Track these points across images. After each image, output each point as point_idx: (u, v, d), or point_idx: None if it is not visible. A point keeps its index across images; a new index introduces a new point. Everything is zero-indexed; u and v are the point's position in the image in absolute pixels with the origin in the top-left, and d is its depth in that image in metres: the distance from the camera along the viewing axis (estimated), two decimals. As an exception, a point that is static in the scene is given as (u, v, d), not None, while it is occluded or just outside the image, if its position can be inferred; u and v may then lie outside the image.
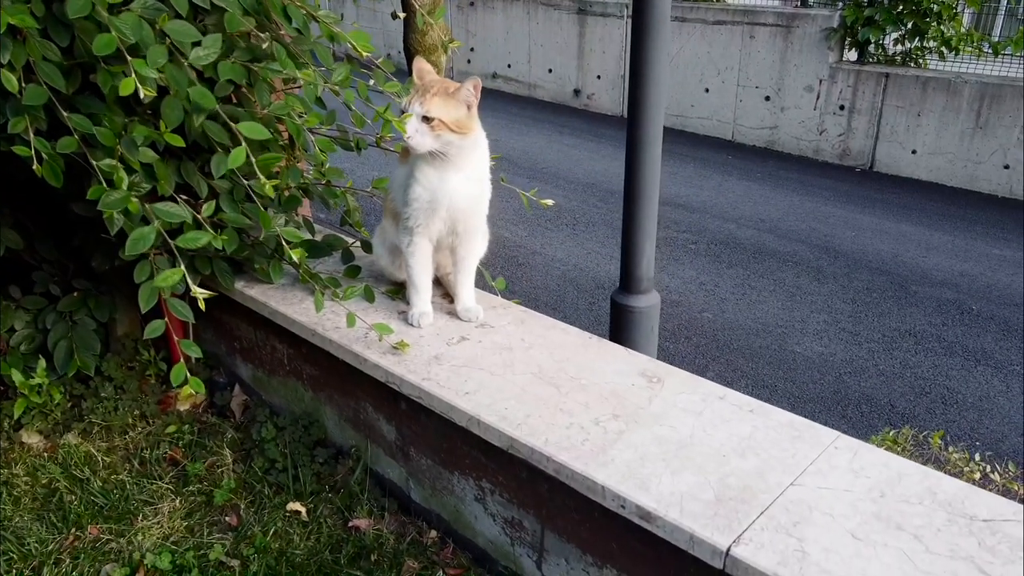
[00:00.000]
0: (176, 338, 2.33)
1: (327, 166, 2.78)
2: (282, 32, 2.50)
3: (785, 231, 6.90)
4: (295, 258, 2.34)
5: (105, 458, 2.65)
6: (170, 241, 2.11)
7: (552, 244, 6.46)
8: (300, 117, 2.32)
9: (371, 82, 2.50)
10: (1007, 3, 9.43)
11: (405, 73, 2.60)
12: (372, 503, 2.47)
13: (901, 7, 7.96)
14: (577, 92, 10.54)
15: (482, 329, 2.39)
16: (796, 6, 8.86)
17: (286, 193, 2.66)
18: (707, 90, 9.11)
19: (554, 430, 1.92)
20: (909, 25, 8.04)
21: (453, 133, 2.18)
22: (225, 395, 2.93)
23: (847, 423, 4.45)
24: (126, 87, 1.86)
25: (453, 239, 2.36)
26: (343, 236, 2.87)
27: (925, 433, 3.91)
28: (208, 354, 3.04)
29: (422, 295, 2.41)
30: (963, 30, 7.96)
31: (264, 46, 2.20)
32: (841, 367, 5.00)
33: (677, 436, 1.90)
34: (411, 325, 2.41)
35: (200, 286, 2.63)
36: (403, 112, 2.17)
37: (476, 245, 2.42)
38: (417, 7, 3.34)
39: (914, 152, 7.92)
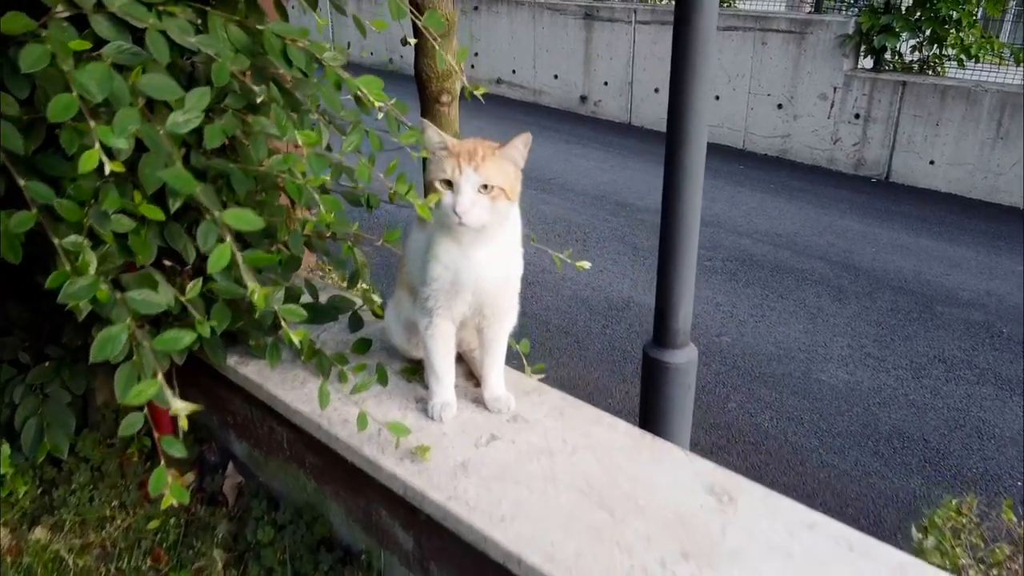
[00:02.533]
0: (158, 434, 1.93)
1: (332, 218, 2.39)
2: (281, 72, 2.09)
3: (802, 247, 6.53)
4: (296, 341, 1.94)
5: (77, 561, 2.25)
6: (145, 344, 1.70)
7: (563, 264, 6.04)
8: (302, 175, 1.93)
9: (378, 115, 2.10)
10: (1015, 9, 9.03)
11: (413, 94, 2.18)
12: (386, 621, 2.08)
13: (919, 13, 7.57)
14: (584, 98, 10.12)
15: (515, 424, 1.99)
16: (810, 12, 8.45)
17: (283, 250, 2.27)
18: (717, 97, 8.70)
19: (612, 576, 1.53)
20: (927, 32, 7.65)
21: (508, 201, 1.80)
22: (216, 478, 2.52)
23: (880, 460, 4.10)
24: (87, 162, 1.45)
25: (480, 320, 1.97)
26: (351, 297, 2.47)
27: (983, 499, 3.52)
28: (198, 425, 2.64)
29: (443, 383, 2.01)
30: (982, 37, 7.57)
31: (259, 100, 1.79)
32: (869, 397, 4.64)
33: (765, 587, 1.51)
34: (431, 418, 2.01)
35: (188, 361, 2.26)
36: (448, 183, 1.76)
37: (506, 325, 2.02)
38: (430, 31, 2.93)
39: (932, 162, 7.53)
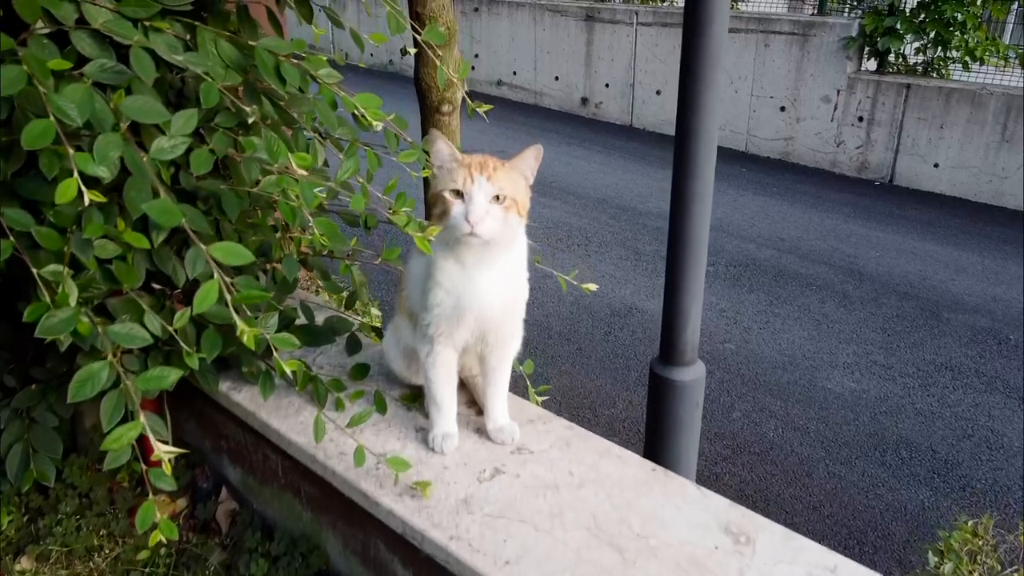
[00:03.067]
0: (145, 466, 1.83)
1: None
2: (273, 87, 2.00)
3: (806, 251, 6.43)
4: (289, 372, 1.84)
5: (64, 593, 2.16)
6: (127, 384, 1.60)
7: (563, 267, 5.95)
8: (296, 198, 1.84)
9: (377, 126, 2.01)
10: (1018, 9, 8.92)
11: (413, 96, 2.09)
12: (385, 660, 1.98)
13: (923, 16, 7.46)
14: (585, 100, 10.02)
15: (519, 456, 1.89)
16: (813, 14, 8.34)
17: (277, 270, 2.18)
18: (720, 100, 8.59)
19: (624, 626, 1.44)
20: (931, 34, 7.54)
21: (519, 216, 1.72)
22: (209, 506, 2.42)
23: (887, 471, 4.01)
24: (64, 193, 1.36)
25: (482, 347, 1.87)
26: (349, 317, 2.38)
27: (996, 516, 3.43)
28: (191, 448, 2.55)
29: (445, 413, 1.92)
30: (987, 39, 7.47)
31: (250, 121, 1.69)
32: (875, 405, 4.55)
33: (786, 639, 1.41)
34: (432, 449, 1.91)
35: (180, 382, 2.16)
36: (457, 193, 1.67)
37: (509, 351, 1.92)
38: (431, 45, 2.84)
39: (936, 166, 7.43)
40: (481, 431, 1.97)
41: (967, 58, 7.48)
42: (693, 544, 1.63)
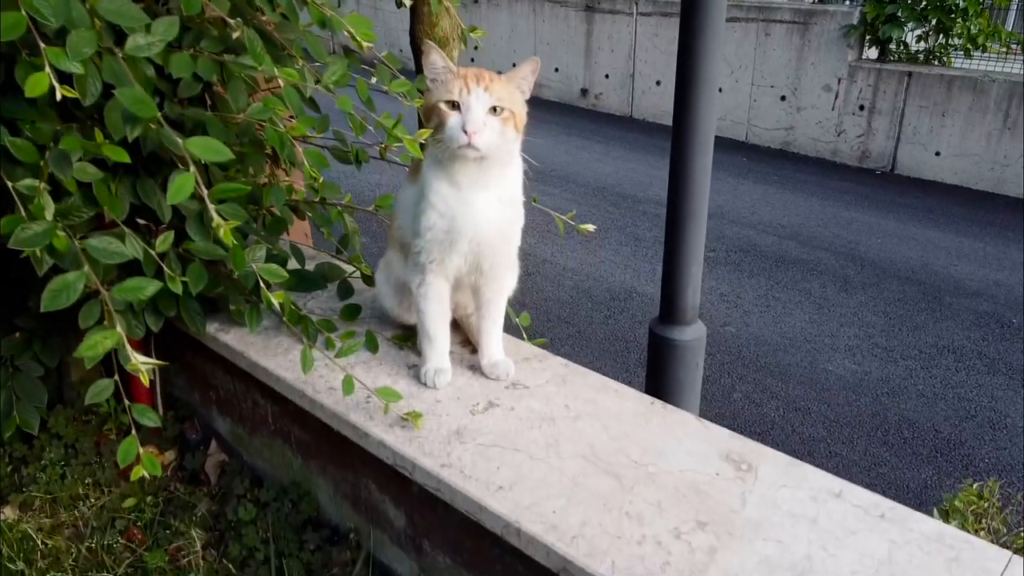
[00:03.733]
0: (128, 402, 1.77)
1: (321, 180, 2.24)
2: (264, 19, 1.94)
3: (807, 237, 6.39)
4: (276, 303, 1.78)
5: (46, 541, 2.09)
6: (103, 292, 1.54)
7: (563, 252, 5.92)
8: (284, 124, 1.78)
9: (373, 80, 1.96)
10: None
11: (412, 73, 2.06)
12: (376, 604, 1.92)
13: (924, 3, 7.41)
14: (584, 91, 9.98)
15: (514, 391, 1.83)
16: (813, 2, 8.29)
17: (268, 215, 2.12)
18: (720, 89, 8.54)
19: (621, 547, 1.38)
20: (933, 22, 7.49)
21: (515, 131, 1.67)
22: (198, 456, 2.36)
23: (890, 450, 3.96)
24: (35, 86, 1.30)
25: (477, 277, 1.81)
26: (341, 264, 2.32)
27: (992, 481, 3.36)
28: (180, 402, 2.49)
29: (437, 348, 1.85)
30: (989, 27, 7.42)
31: (235, 35, 1.63)
32: (877, 387, 4.50)
33: (790, 557, 1.35)
34: (424, 385, 1.85)
35: (165, 329, 2.11)
36: (452, 104, 1.61)
37: (505, 283, 1.86)
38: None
39: (938, 154, 7.38)
40: (475, 368, 1.91)
41: (969, 45, 7.44)
42: (694, 471, 1.57)
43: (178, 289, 1.65)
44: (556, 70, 10.20)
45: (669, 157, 2.54)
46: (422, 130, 1.57)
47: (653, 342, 2.84)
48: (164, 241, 1.66)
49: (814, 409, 4.30)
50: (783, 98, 8.19)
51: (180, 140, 1.43)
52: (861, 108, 7.71)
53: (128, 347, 1.47)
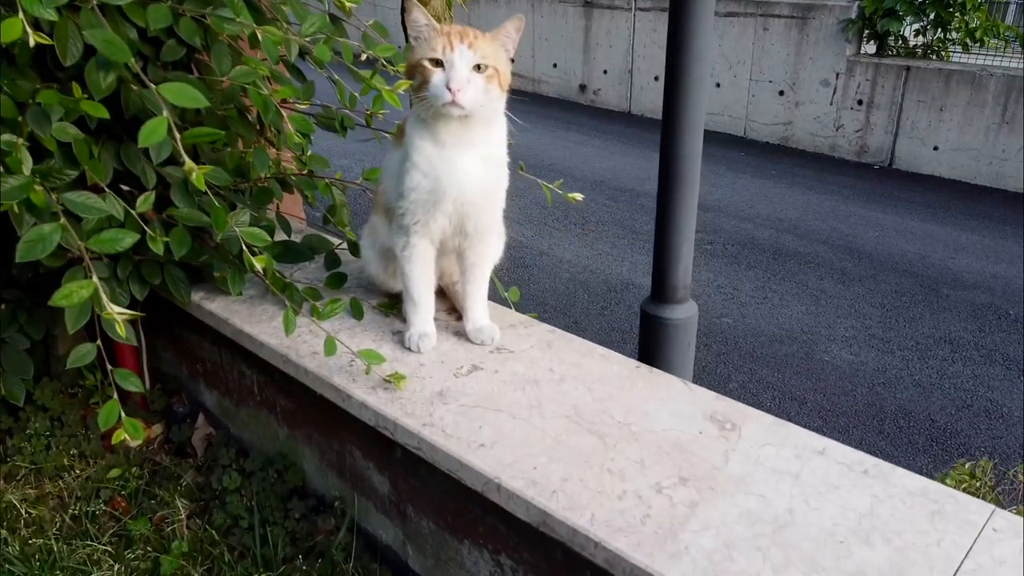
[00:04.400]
0: (110, 366, 1.76)
1: (308, 152, 2.23)
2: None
3: (805, 231, 6.37)
4: (259, 267, 1.77)
5: (31, 510, 2.07)
6: (80, 243, 1.53)
7: (560, 244, 5.90)
8: (268, 88, 1.77)
9: (361, 57, 1.95)
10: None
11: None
12: (360, 572, 1.90)
13: (923, -3, 7.40)
14: (583, 87, 9.96)
15: (499, 355, 1.82)
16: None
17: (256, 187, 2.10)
18: (718, 84, 8.54)
19: (602, 501, 1.36)
20: (931, 16, 7.47)
21: (500, 90, 1.65)
22: (184, 429, 2.34)
23: (885, 439, 3.94)
24: (9, 31, 1.29)
25: (461, 240, 1.80)
26: (329, 237, 2.31)
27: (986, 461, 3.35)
28: (167, 377, 2.48)
29: (422, 312, 1.84)
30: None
31: None
32: (874, 377, 4.48)
33: (772, 511, 1.34)
34: (409, 349, 1.84)
35: (153, 303, 2.10)
36: (436, 62, 1.60)
37: (490, 248, 1.85)
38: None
39: (936, 148, 7.36)
40: (460, 334, 1.90)
41: (967, 40, 7.41)
42: (678, 431, 1.55)
43: (159, 249, 1.63)
44: (555, 66, 10.19)
45: (661, 108, 2.52)
46: (401, 81, 1.55)
47: (644, 321, 2.83)
48: (146, 201, 1.64)
49: (810, 399, 4.28)
50: (781, 93, 8.17)
51: (153, 86, 1.42)
52: (859, 103, 7.70)
53: (104, 297, 1.46)
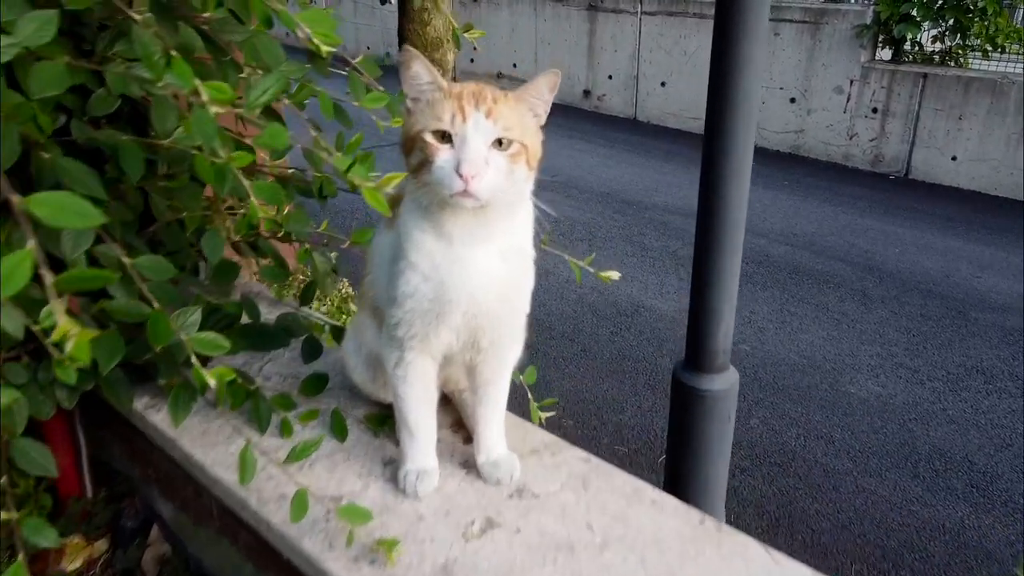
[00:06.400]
0: (15, 515, 1.30)
1: (286, 210, 1.77)
2: (206, 16, 1.47)
3: (822, 247, 5.95)
4: (213, 384, 1.31)
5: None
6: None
7: (565, 263, 5.44)
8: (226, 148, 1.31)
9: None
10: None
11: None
12: None
13: (941, 2, 6.94)
14: (587, 93, 9.51)
15: (520, 501, 1.36)
16: (825, 1, 7.82)
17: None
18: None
19: None
20: (950, 21, 7.04)
21: (528, 170, 1.20)
22: (132, 550, 1.88)
23: (921, 484, 3.55)
24: None
25: (472, 355, 1.34)
26: (310, 314, 1.85)
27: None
28: (117, 476, 2.02)
29: (420, 444, 1.38)
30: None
31: (137, 19, 1.15)
32: (904, 412, 4.08)
33: None
34: (403, 492, 1.38)
35: (85, 400, 1.64)
36: (442, 135, 1.15)
37: (508, 360, 1.39)
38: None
39: (954, 159, 6.93)
40: (469, 465, 1.44)
41: (987, 46, 6.98)
42: (768, 638, 1.10)
43: (69, 379, 1.18)
44: (558, 71, 9.73)
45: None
46: (389, 175, 1.07)
47: (677, 391, 2.39)
48: (48, 317, 1.18)
49: (837, 437, 3.88)
50: (793, 100, 7.74)
51: (17, 197, 0.95)
52: (874, 111, 7.26)
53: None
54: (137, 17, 1.11)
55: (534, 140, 1.21)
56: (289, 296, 2.64)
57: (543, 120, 1.23)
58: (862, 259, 5.78)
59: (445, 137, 1.14)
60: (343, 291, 3.93)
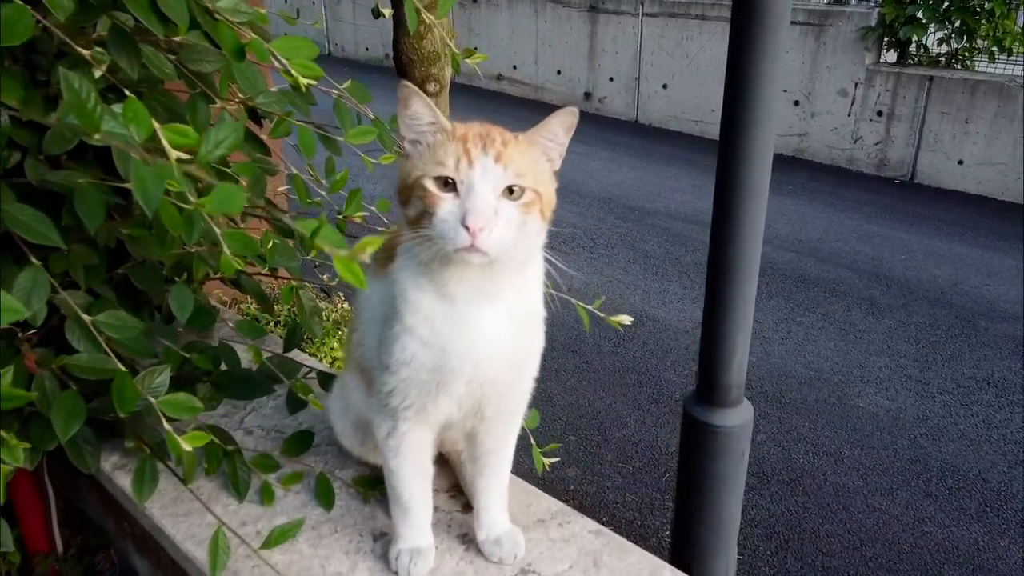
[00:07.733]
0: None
1: (272, 243, 1.61)
2: (177, 40, 1.31)
3: (827, 254, 5.80)
4: (187, 449, 1.16)
5: None
6: None
7: (563, 272, 5.30)
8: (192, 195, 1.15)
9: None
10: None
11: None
12: None
13: (947, 3, 6.77)
14: (588, 95, 9.32)
15: (525, 586, 1.21)
16: (829, 3, 7.64)
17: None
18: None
19: None
20: (956, 23, 6.85)
21: (542, 220, 1.06)
22: (106, 613, 1.73)
23: (933, 503, 3.42)
24: None
25: (475, 424, 1.18)
26: (297, 358, 1.69)
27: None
28: (92, 527, 1.87)
29: (414, 520, 1.22)
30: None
31: (95, 70, 1.00)
32: (914, 426, 3.94)
33: None
34: (395, 573, 1.22)
35: (49, 461, 1.49)
36: (445, 183, 1.00)
37: (514, 427, 1.23)
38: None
39: (961, 162, 6.76)
40: (468, 539, 1.29)
41: (994, 48, 6.80)
42: None
43: (15, 459, 1.02)
44: (558, 73, 9.54)
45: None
46: (366, 239, 0.87)
47: (688, 426, 2.24)
48: (4, 374, 1.02)
49: (846, 453, 3.74)
50: (796, 103, 7.56)
51: None
52: (879, 114, 7.09)
53: None
54: (85, 53, 0.94)
55: (548, 187, 1.06)
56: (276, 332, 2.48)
57: (557, 165, 1.08)
58: (868, 266, 5.63)
59: (448, 184, 1.00)
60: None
